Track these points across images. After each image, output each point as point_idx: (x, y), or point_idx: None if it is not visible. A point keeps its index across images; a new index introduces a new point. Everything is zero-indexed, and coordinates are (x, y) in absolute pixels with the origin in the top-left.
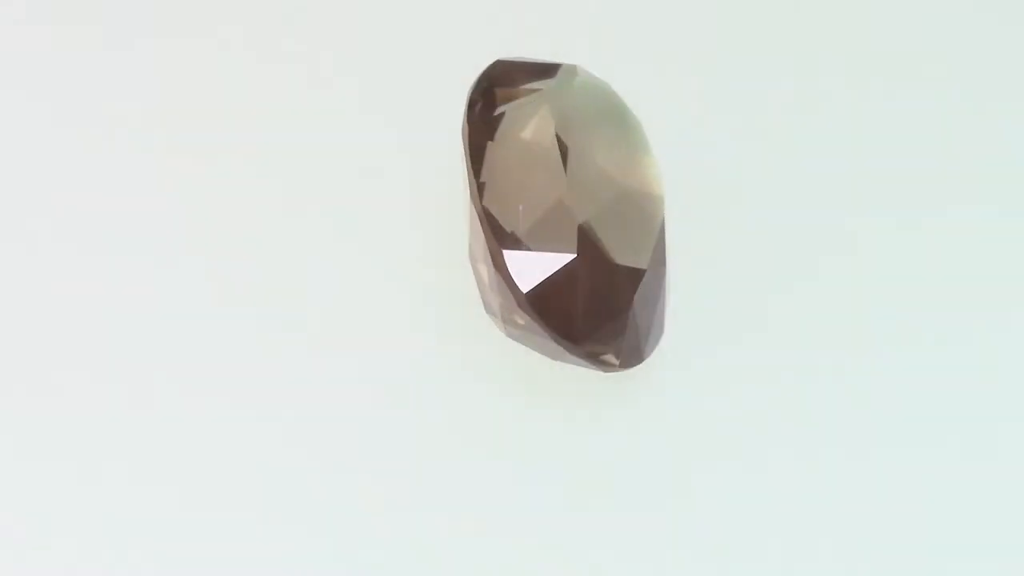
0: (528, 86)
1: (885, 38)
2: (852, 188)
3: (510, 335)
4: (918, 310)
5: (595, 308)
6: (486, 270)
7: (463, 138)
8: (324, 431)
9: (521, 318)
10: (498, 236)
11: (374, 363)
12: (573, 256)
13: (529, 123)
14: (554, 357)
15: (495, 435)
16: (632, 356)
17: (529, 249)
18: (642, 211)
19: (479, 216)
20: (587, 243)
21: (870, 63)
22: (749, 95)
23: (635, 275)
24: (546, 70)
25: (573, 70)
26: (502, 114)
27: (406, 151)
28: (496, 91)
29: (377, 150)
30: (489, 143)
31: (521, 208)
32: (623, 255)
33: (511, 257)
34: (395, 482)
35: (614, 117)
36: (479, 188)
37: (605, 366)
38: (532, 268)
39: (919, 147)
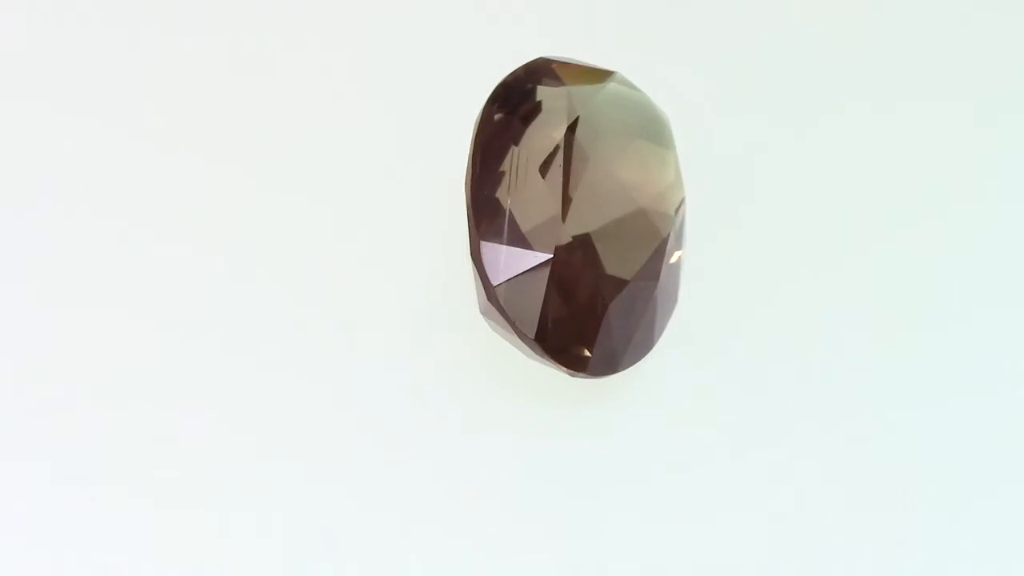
0: (564, 87)
1: (915, 43)
2: (878, 209)
3: (493, 329)
4: (940, 338)
5: (567, 312)
6: (471, 262)
7: (475, 125)
8: (309, 428)
9: (493, 312)
10: (482, 227)
11: (367, 357)
12: (550, 256)
13: (552, 125)
14: (528, 355)
15: (473, 433)
16: (603, 364)
17: (510, 245)
18: (644, 226)
19: (467, 205)
20: (573, 250)
21: (900, 72)
22: (785, 106)
23: (617, 285)
24: (585, 73)
25: (610, 76)
26: (530, 111)
27: (427, 145)
28: (530, 88)
29: (393, 143)
30: (512, 138)
31: (510, 203)
32: (611, 265)
33: (487, 249)
34: (379, 480)
35: (642, 129)
36: (474, 178)
37: (572, 370)
38: (507, 263)
39: (942, 157)
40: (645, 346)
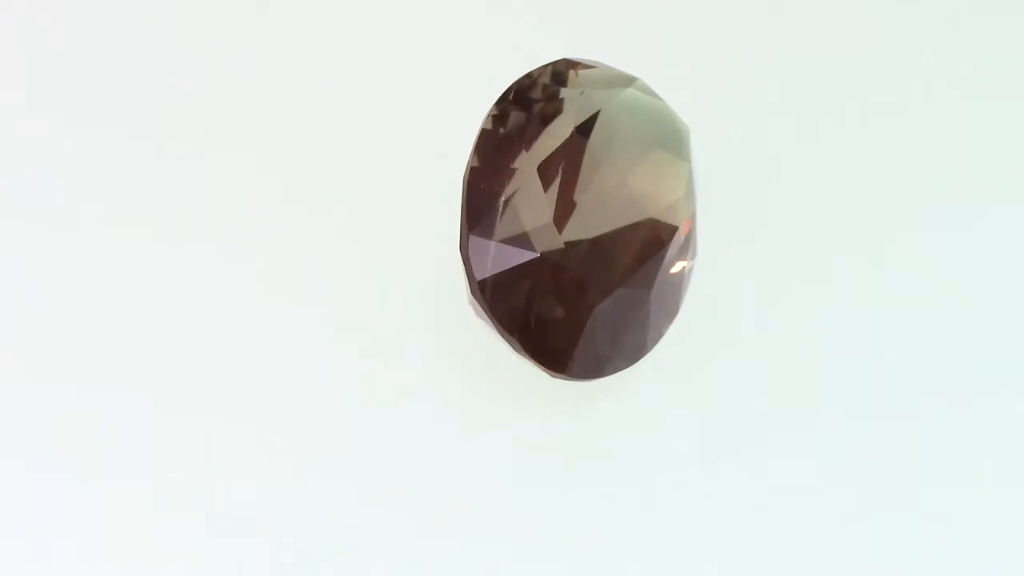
0: (582, 90)
1: (931, 46)
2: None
3: (485, 324)
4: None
5: (551, 312)
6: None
7: (484, 120)
8: (297, 424)
9: (476, 306)
10: (473, 222)
11: (360, 351)
12: (537, 255)
13: (566, 128)
14: (512, 352)
15: (459, 429)
16: (586, 368)
17: (500, 242)
18: (646, 236)
19: (462, 198)
20: (564, 252)
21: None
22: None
23: (605, 290)
24: (606, 77)
25: (631, 82)
26: (544, 111)
27: (433, 140)
28: (548, 88)
29: (398, 138)
30: (519, 135)
31: (504, 200)
32: (601, 271)
33: (476, 244)
34: (367, 477)
35: (658, 137)
36: (473, 172)
37: (552, 371)
38: (495, 259)
39: (968, 171)
40: (635, 353)
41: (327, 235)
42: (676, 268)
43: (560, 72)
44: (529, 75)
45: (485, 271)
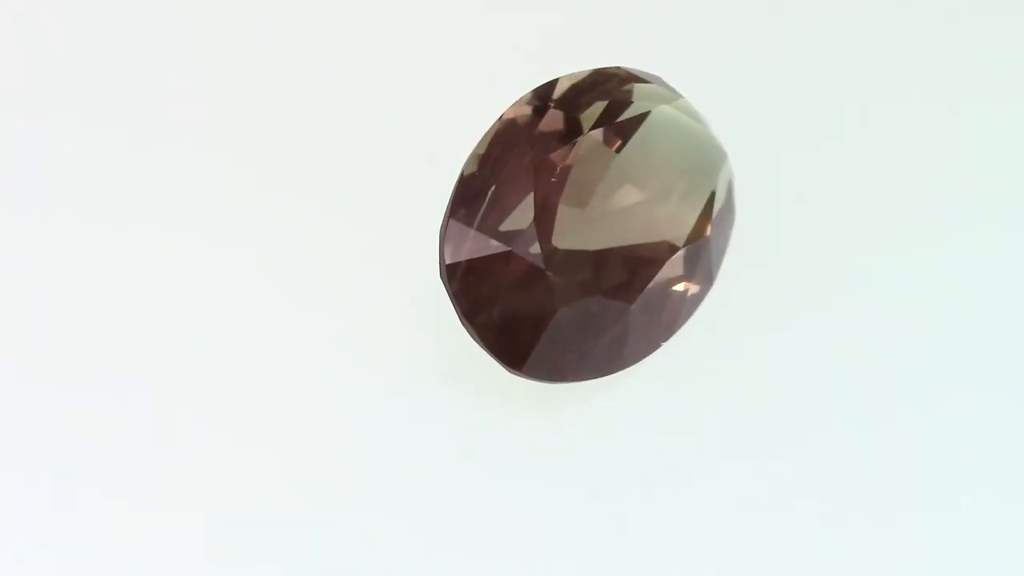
0: (624, 103)
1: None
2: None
3: None
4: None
5: (513, 309)
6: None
7: (506, 111)
8: (283, 422)
9: (445, 288)
10: (457, 202)
11: (361, 351)
12: (508, 249)
13: (597, 138)
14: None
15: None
16: (544, 370)
17: (476, 229)
18: (647, 256)
19: (457, 179)
20: (547, 257)
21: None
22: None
23: (575, 295)
24: (651, 93)
25: (673, 99)
26: (587, 120)
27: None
28: (589, 94)
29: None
30: (540, 136)
31: (494, 190)
32: (589, 281)
33: (455, 228)
34: (353, 476)
35: (692, 162)
36: (480, 159)
37: (508, 367)
38: (470, 247)
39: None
40: (609, 364)
41: (324, 233)
42: (677, 287)
43: (610, 81)
44: (575, 76)
45: (457, 256)
